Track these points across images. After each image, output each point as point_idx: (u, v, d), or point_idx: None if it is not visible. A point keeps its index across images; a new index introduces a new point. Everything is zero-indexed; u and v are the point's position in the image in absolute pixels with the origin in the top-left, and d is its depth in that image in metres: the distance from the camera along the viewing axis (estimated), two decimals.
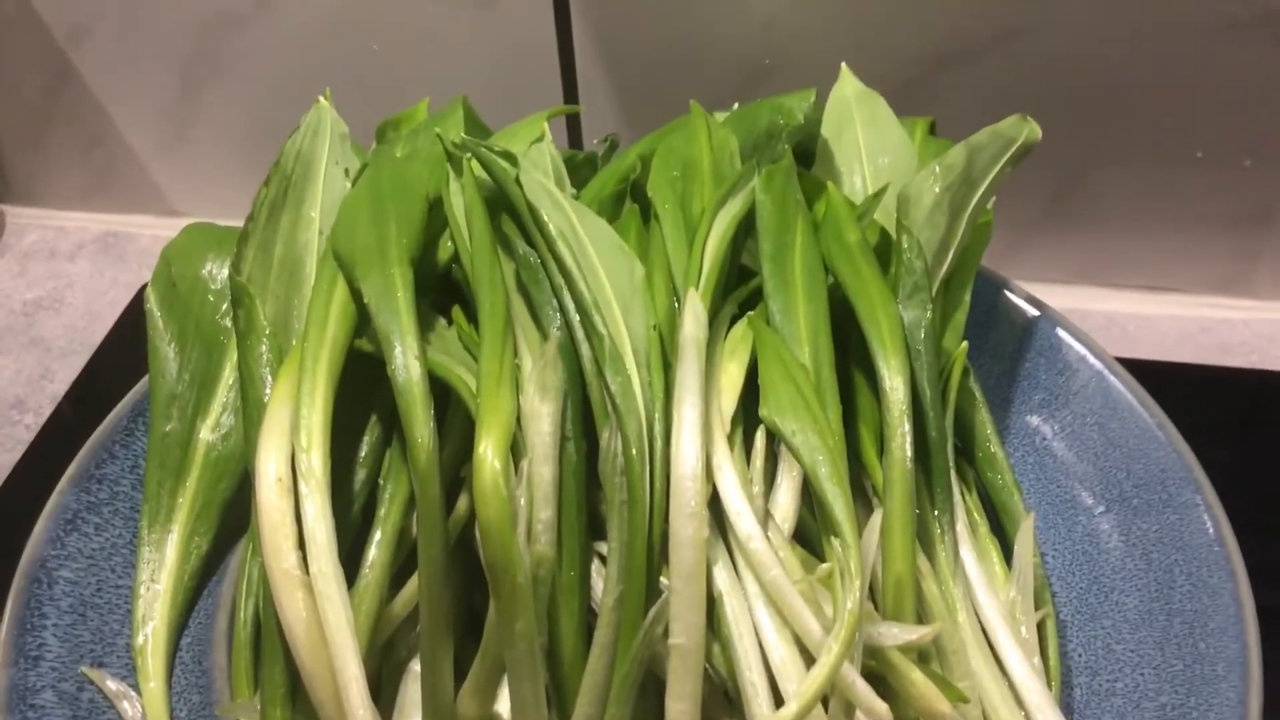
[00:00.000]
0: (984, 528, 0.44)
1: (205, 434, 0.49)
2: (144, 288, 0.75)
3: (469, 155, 0.46)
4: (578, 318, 0.40)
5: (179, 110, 0.76)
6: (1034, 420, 0.51)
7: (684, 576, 0.36)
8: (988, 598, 0.41)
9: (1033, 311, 0.53)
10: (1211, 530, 0.45)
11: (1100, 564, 0.47)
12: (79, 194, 0.82)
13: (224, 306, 0.52)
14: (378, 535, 0.41)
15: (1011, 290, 0.54)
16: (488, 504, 0.35)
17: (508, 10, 0.65)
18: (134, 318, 0.74)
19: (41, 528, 0.47)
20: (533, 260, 0.42)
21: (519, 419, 0.38)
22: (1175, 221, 0.69)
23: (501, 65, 0.66)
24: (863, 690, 0.35)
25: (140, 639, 0.45)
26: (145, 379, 0.51)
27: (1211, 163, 0.66)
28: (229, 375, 0.50)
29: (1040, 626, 0.43)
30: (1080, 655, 0.45)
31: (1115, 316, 0.68)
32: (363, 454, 0.43)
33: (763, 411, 0.40)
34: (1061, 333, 0.52)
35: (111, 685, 0.44)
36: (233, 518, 0.48)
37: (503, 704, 0.39)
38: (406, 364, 0.39)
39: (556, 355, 0.39)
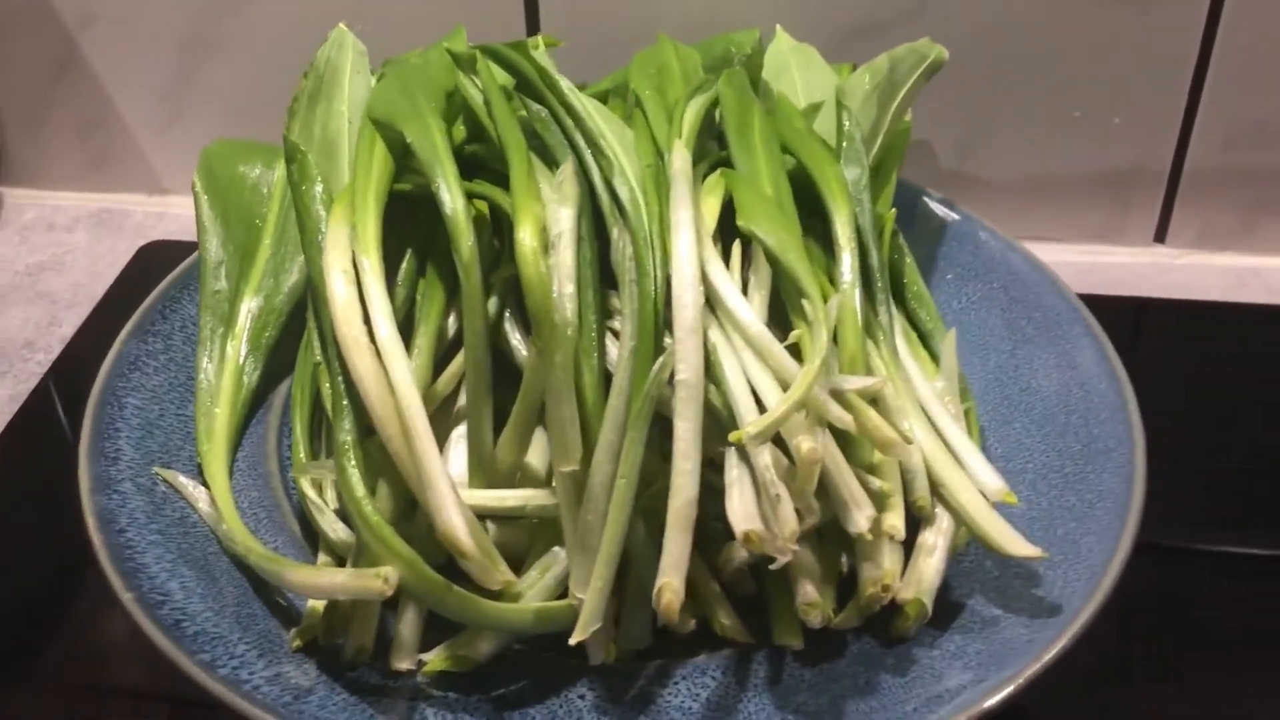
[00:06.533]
0: (915, 340, 0.54)
1: (249, 292, 0.56)
2: (144, 246, 0.83)
3: (481, 53, 0.55)
4: (587, 150, 0.49)
5: (176, 92, 0.84)
6: (950, 290, 0.61)
7: (686, 329, 0.45)
8: (920, 381, 0.50)
9: (946, 210, 0.64)
10: (1098, 351, 0.55)
11: (1010, 385, 0.56)
12: (75, 175, 0.89)
13: (258, 197, 0.60)
14: (421, 329, 0.49)
15: (929, 196, 0.65)
16: (529, 266, 0.44)
17: None
18: (134, 274, 0.80)
19: (107, 368, 0.54)
20: (544, 115, 0.51)
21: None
22: (1058, 177, 0.80)
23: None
24: (832, 405, 0.43)
25: (205, 447, 0.52)
26: (190, 257, 0.59)
27: (1087, 121, 0.78)
28: (266, 248, 0.58)
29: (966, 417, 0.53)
30: (997, 448, 0.54)
31: None
32: (400, 279, 0.51)
33: (740, 222, 0.49)
34: (970, 223, 0.63)
35: (183, 479, 0.51)
36: (275, 362, 0.56)
37: (532, 455, 0.47)
38: (448, 185, 0.48)
39: (572, 172, 0.48)
